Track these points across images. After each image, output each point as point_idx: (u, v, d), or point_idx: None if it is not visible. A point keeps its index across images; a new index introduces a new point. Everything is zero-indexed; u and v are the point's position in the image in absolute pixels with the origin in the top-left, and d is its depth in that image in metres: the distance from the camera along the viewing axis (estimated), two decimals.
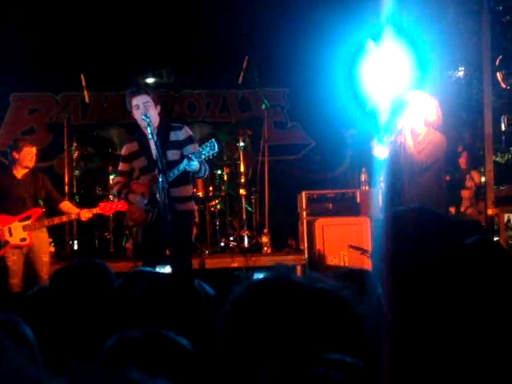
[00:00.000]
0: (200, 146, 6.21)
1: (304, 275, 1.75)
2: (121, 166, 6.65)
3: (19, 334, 1.91)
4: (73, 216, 7.72)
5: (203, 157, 6.16)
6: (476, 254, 2.04)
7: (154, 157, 6.23)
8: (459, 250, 1.95)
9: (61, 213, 7.78)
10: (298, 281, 1.70)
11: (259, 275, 1.79)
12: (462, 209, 9.48)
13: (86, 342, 2.53)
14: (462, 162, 9.84)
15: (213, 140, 6.22)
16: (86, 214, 7.63)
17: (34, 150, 7.82)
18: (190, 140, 6.45)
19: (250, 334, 1.63)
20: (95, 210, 7.63)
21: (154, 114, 6.21)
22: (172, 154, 6.26)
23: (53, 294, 3.16)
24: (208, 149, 6.11)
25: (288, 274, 1.74)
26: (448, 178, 8.67)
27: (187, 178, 6.35)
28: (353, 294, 1.70)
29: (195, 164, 6.05)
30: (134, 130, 6.82)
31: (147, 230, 6.48)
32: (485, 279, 1.99)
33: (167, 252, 6.37)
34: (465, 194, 9.62)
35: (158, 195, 6.10)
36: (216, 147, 6.13)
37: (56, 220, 7.69)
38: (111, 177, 6.77)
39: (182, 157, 6.21)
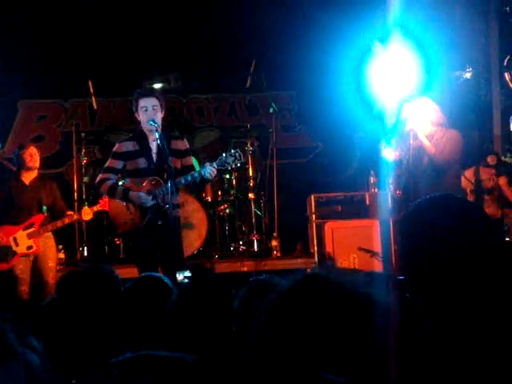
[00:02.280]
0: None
1: (350, 276, 1.71)
2: (111, 163, 6.42)
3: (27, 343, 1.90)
4: (75, 217, 7.70)
5: (226, 166, 6.16)
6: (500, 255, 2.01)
7: (155, 160, 6.22)
8: (495, 239, 1.93)
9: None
10: (343, 283, 1.68)
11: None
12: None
13: (94, 348, 2.53)
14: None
15: (238, 151, 6.22)
16: (87, 213, 7.60)
17: (35, 150, 7.80)
18: (188, 152, 6.47)
19: (293, 331, 1.59)
20: (96, 208, 7.59)
21: (159, 119, 6.20)
22: (171, 162, 6.16)
23: (59, 301, 3.16)
24: (233, 158, 6.10)
25: (334, 275, 1.73)
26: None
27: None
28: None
29: (210, 172, 6.04)
30: None
31: (141, 235, 6.30)
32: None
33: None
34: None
35: (159, 199, 6.09)
36: (242, 158, 6.14)
37: (59, 223, 7.66)
38: (120, 183, 6.66)
39: (182, 166, 6.19)
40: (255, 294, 2.48)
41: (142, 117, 6.24)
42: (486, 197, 8.84)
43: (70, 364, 2.41)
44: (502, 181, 8.98)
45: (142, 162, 6.28)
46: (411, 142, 7.12)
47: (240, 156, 6.15)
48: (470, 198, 8.77)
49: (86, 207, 7.72)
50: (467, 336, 1.76)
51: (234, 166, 6.36)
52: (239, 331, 2.43)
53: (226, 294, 2.57)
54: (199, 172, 6.08)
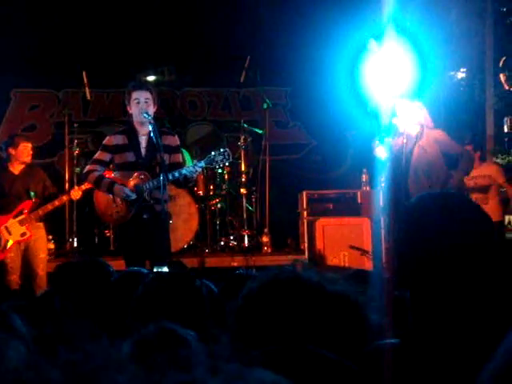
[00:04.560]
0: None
1: (319, 274, 1.78)
2: (100, 155, 6.37)
3: (9, 325, 1.91)
4: (64, 198, 7.64)
5: (215, 164, 6.19)
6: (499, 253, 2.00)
7: (143, 155, 6.22)
8: (491, 241, 1.92)
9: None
10: (311, 280, 1.73)
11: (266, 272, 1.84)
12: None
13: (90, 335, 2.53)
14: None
15: (227, 149, 6.25)
16: (76, 193, 7.55)
17: (29, 145, 7.76)
18: (178, 148, 6.47)
19: (262, 329, 1.66)
20: (84, 186, 7.48)
21: (151, 113, 6.18)
22: (163, 156, 6.15)
23: (54, 292, 3.15)
24: (221, 157, 6.13)
25: (302, 272, 1.79)
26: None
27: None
28: (361, 296, 1.74)
29: (199, 170, 6.05)
30: None
31: (127, 228, 6.28)
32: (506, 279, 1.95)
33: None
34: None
35: (146, 194, 6.09)
36: (230, 157, 6.16)
37: (49, 206, 7.58)
38: (112, 174, 6.63)
39: (170, 162, 6.19)
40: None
41: (133, 109, 6.23)
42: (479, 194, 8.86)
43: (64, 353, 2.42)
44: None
45: (129, 156, 6.27)
46: (403, 141, 7.16)
47: (229, 155, 6.18)
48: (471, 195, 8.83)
49: (75, 188, 7.65)
50: (450, 336, 1.76)
51: (221, 165, 6.40)
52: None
53: (187, 288, 2.60)
54: (188, 169, 6.08)
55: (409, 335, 1.80)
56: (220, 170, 9.46)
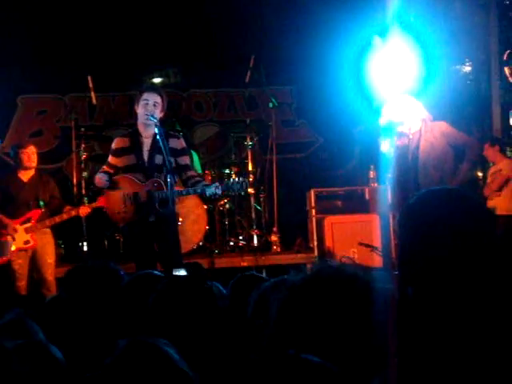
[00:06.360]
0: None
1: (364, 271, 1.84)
2: (111, 159, 6.51)
3: (28, 331, 1.93)
4: (73, 213, 7.68)
5: (230, 192, 6.39)
6: (505, 249, 2.01)
7: (146, 157, 6.26)
8: (494, 241, 1.92)
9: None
10: (354, 276, 1.77)
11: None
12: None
13: (99, 341, 2.55)
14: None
15: (246, 180, 6.44)
16: (85, 210, 7.59)
17: (34, 149, 7.80)
18: (184, 151, 6.51)
19: (304, 320, 1.68)
20: (94, 205, 7.56)
21: (157, 117, 6.20)
22: (162, 159, 6.16)
23: (65, 296, 3.17)
24: (238, 186, 6.29)
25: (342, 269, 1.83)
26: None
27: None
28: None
29: (213, 193, 6.18)
30: None
31: (136, 231, 6.34)
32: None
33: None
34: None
35: (156, 203, 6.12)
36: (247, 188, 6.45)
37: (57, 219, 7.65)
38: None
39: (176, 165, 6.22)
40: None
41: (140, 109, 6.26)
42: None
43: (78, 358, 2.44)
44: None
45: (131, 159, 6.33)
46: (410, 137, 7.16)
47: (246, 185, 6.38)
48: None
49: (85, 204, 7.71)
50: (452, 332, 1.76)
51: (237, 193, 6.56)
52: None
53: (201, 290, 2.61)
54: (203, 189, 6.21)
55: (411, 331, 1.80)
56: (227, 171, 9.47)
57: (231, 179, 6.43)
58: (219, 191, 6.19)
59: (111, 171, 6.46)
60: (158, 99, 6.24)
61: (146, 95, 6.25)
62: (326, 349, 1.62)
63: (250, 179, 9.55)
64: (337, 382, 1.45)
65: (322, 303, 1.70)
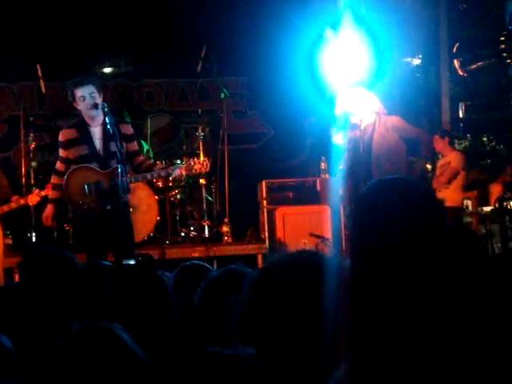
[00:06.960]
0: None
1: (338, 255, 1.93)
2: (62, 152, 6.45)
3: None
4: (21, 201, 7.55)
5: (193, 171, 6.44)
6: (454, 239, 2.04)
7: (99, 146, 6.20)
8: (443, 229, 1.94)
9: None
10: (324, 258, 1.78)
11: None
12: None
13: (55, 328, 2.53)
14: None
15: (207, 160, 6.54)
16: (33, 198, 7.47)
17: None
18: (133, 137, 6.49)
19: (276, 301, 1.69)
20: (43, 193, 7.41)
21: (100, 103, 6.15)
22: (121, 146, 6.09)
23: (22, 283, 3.16)
24: (199, 165, 6.25)
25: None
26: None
27: None
28: None
29: (178, 173, 6.32)
30: None
31: (89, 220, 6.29)
32: (459, 264, 1.99)
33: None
34: None
35: (120, 189, 6.07)
36: (208, 168, 6.50)
37: (5, 208, 7.51)
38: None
39: (128, 151, 6.20)
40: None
41: (81, 106, 6.21)
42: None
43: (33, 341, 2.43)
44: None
45: (83, 149, 6.27)
46: (361, 129, 7.24)
47: (207, 165, 6.45)
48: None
49: (36, 191, 7.57)
50: (403, 321, 1.78)
51: (196, 173, 6.74)
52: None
53: (151, 279, 2.62)
54: (168, 171, 6.37)
55: (361, 320, 1.82)
56: (179, 161, 9.42)
57: (193, 159, 6.48)
58: (184, 172, 6.25)
59: (63, 168, 6.40)
60: (92, 88, 6.17)
61: (79, 92, 6.16)
62: (296, 331, 1.63)
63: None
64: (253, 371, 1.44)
65: (297, 284, 1.71)
